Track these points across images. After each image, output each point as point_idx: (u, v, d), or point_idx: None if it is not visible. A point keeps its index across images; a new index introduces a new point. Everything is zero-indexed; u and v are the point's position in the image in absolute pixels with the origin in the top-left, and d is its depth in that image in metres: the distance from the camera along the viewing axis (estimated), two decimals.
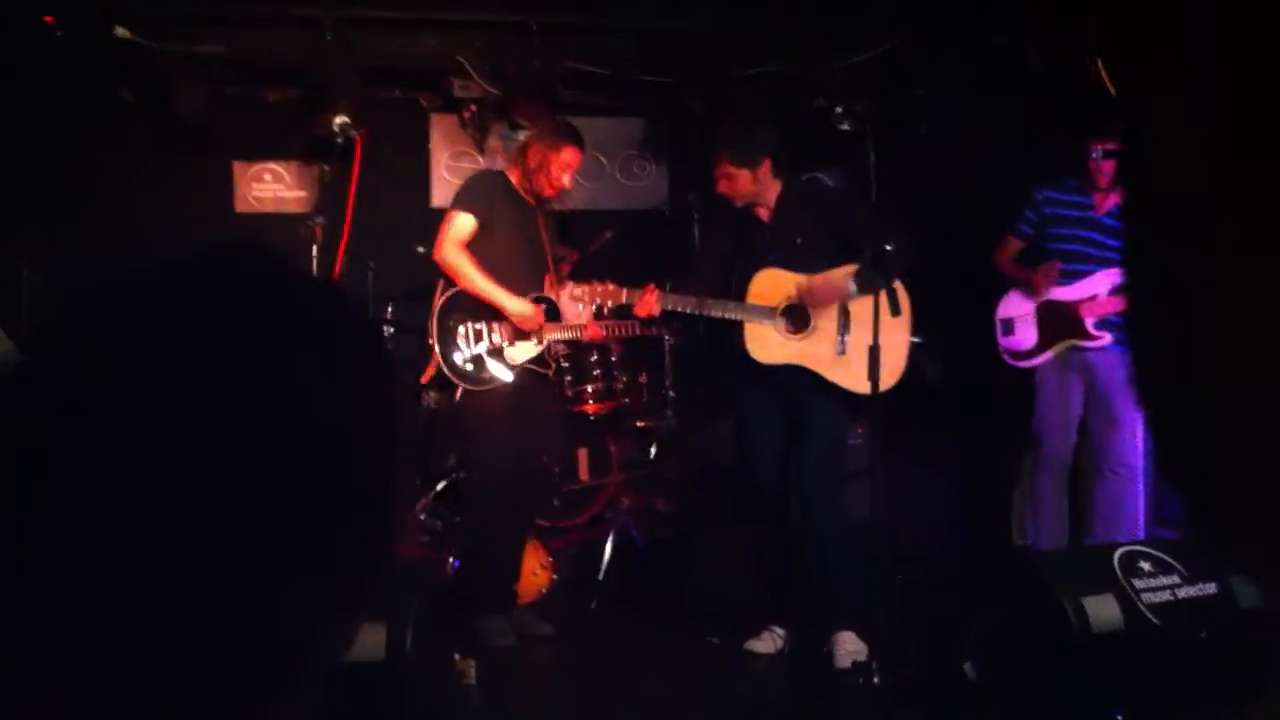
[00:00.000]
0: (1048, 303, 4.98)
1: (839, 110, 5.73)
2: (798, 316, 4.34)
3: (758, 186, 4.37)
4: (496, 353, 4.57)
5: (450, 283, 4.57)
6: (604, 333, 4.89)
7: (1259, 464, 0.62)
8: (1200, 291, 0.63)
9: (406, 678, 3.82)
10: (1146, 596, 3.46)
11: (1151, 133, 0.64)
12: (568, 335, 4.77)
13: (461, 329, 4.55)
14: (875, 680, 3.81)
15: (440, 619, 4.36)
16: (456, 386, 4.57)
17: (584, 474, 5.53)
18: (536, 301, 4.64)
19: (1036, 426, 4.99)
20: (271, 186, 6.61)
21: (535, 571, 4.83)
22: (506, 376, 4.56)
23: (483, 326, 4.56)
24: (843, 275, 4.26)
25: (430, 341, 4.56)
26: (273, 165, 6.58)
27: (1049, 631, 3.45)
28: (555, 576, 4.92)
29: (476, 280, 4.51)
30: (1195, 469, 0.69)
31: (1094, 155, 4.82)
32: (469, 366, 4.54)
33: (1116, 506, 4.82)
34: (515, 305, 4.54)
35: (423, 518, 5.11)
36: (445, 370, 4.53)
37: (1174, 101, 0.62)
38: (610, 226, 5.70)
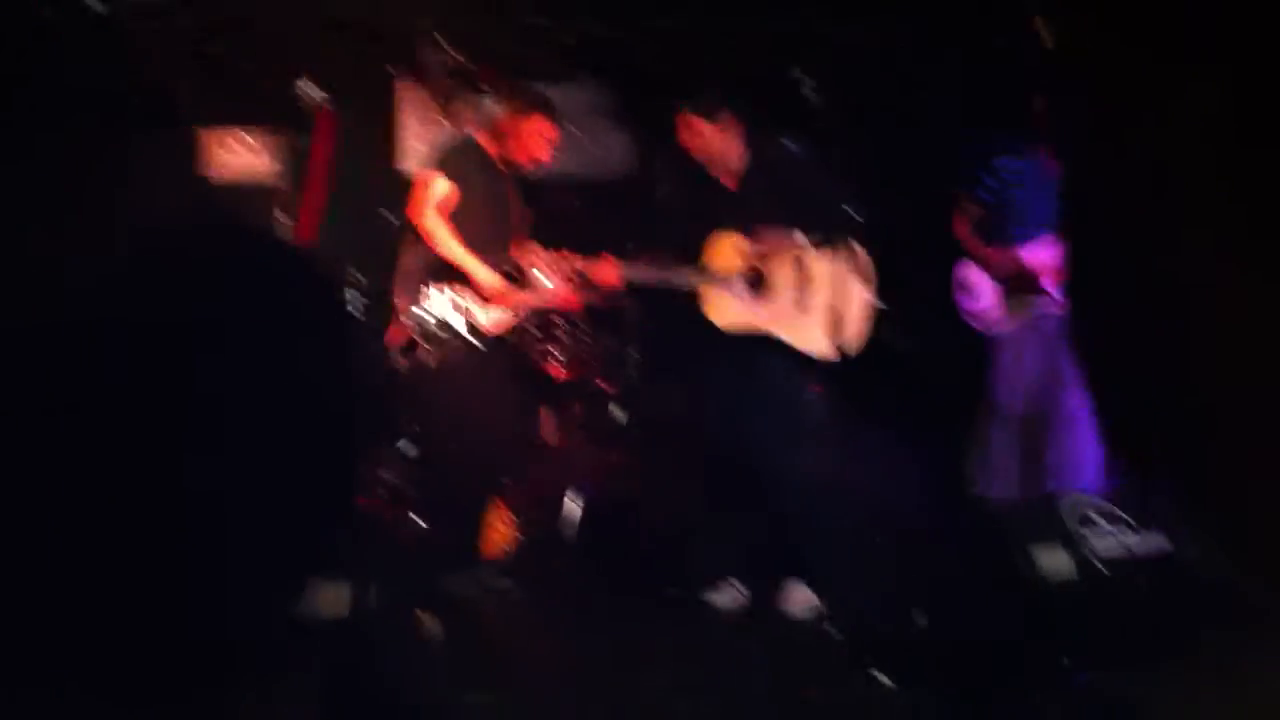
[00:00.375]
0: (1005, 263, 5.09)
1: (806, 78, 5.75)
2: (757, 280, 4.40)
3: (721, 143, 4.40)
4: (466, 317, 4.59)
5: (421, 246, 4.60)
6: (576, 300, 4.91)
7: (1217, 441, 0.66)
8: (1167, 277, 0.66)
9: (370, 633, 3.88)
10: (1096, 546, 3.55)
11: (1099, 97, 0.66)
12: (539, 304, 4.80)
13: (433, 293, 4.58)
14: (829, 630, 3.90)
15: (404, 576, 4.42)
16: (423, 349, 4.60)
17: (548, 434, 5.60)
18: (507, 273, 4.66)
19: (990, 379, 5.09)
20: (241, 154, 6.61)
21: (499, 529, 4.89)
22: (475, 341, 4.59)
23: (450, 289, 4.59)
24: (797, 245, 4.31)
25: (399, 304, 4.59)
26: (241, 133, 6.58)
27: (1000, 580, 3.54)
28: (519, 535, 4.98)
29: (450, 246, 4.52)
30: (1142, 444, 0.72)
31: (1042, 114, 4.93)
32: (438, 330, 4.57)
33: (1068, 458, 4.91)
34: (486, 277, 4.56)
35: (386, 476, 5.15)
36: (414, 333, 4.55)
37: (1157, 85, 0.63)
38: (572, 191, 5.74)
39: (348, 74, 6.25)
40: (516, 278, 4.69)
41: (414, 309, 4.56)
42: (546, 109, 4.72)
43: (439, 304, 4.57)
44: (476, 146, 4.75)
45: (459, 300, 4.57)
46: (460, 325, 4.56)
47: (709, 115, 4.38)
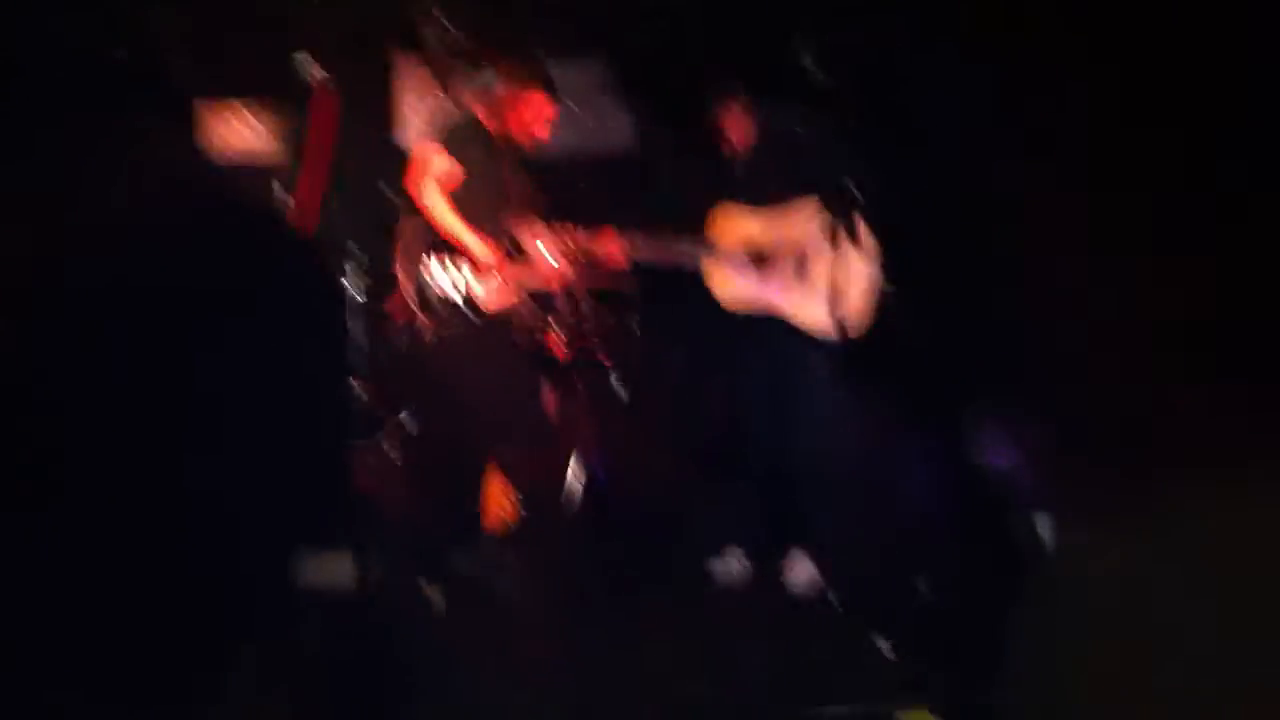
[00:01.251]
0: None
1: (810, 55, 5.73)
2: (759, 253, 4.40)
3: (744, 123, 4.42)
4: (464, 289, 4.60)
5: (419, 219, 4.59)
6: (575, 276, 4.90)
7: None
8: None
9: (373, 606, 3.89)
10: None
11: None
12: (536, 278, 4.80)
13: (430, 265, 4.58)
14: (832, 600, 3.91)
15: (407, 549, 4.43)
16: (422, 320, 4.60)
17: (552, 412, 5.59)
18: (504, 246, 4.66)
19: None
20: (240, 130, 6.60)
21: (502, 505, 4.90)
22: (471, 315, 4.59)
23: (450, 264, 4.59)
24: (800, 220, 4.31)
25: (399, 276, 4.59)
26: (240, 108, 6.56)
27: (1004, 547, 3.54)
28: (523, 511, 4.99)
29: (447, 219, 4.52)
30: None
31: None
32: (434, 303, 4.57)
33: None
34: (481, 250, 4.56)
35: (390, 453, 5.16)
36: (411, 304, 4.56)
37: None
38: (574, 166, 5.73)
39: (347, 49, 6.24)
40: (514, 253, 4.69)
41: (413, 281, 4.56)
42: (547, 85, 4.70)
43: (437, 276, 4.57)
44: (476, 123, 4.74)
45: (457, 272, 4.57)
46: (458, 298, 4.56)
47: (739, 98, 4.39)
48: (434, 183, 4.53)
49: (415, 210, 4.59)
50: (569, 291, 5.33)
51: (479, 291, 4.59)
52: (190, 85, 6.29)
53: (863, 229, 4.40)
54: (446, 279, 4.57)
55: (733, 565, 4.50)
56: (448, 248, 4.57)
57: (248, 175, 6.10)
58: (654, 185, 5.83)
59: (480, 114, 4.74)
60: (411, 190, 4.57)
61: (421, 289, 4.57)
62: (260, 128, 6.53)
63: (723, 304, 4.40)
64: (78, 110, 5.91)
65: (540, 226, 4.54)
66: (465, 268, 4.59)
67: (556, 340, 5.37)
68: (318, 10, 5.87)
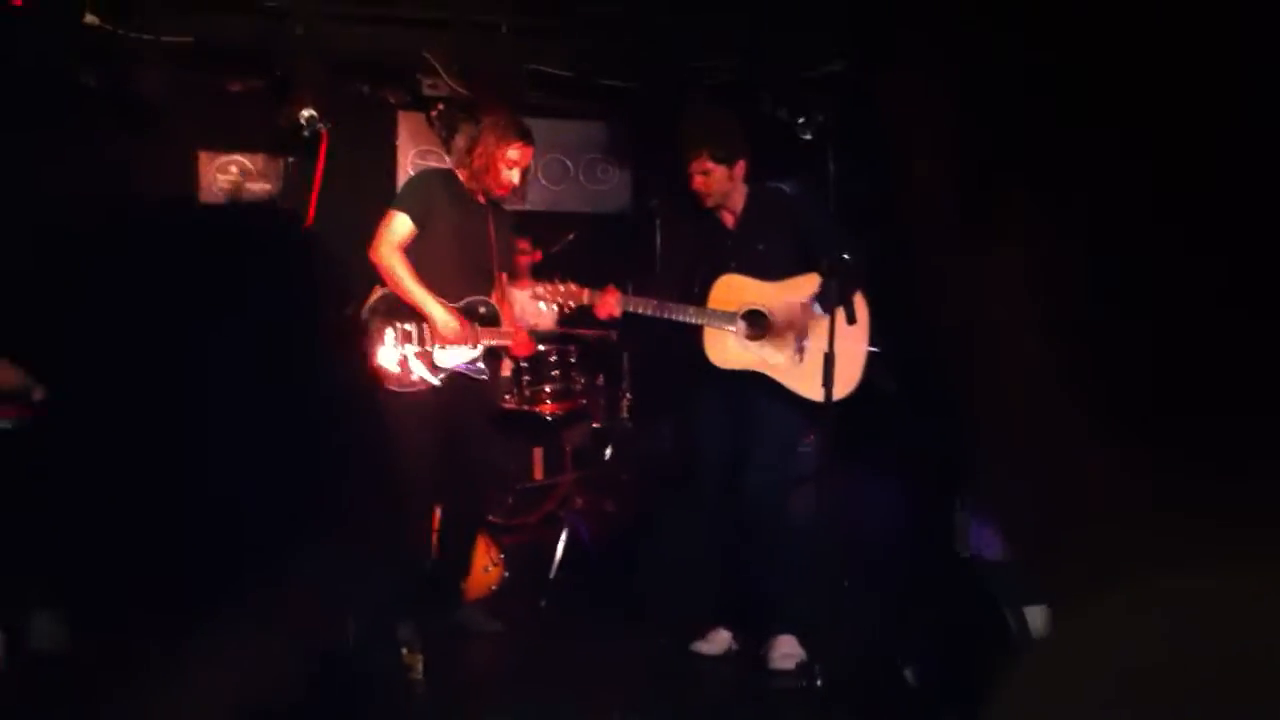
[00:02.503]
0: None
1: (800, 121, 5.78)
2: (757, 321, 4.40)
3: (731, 186, 4.43)
4: (424, 355, 4.49)
5: (383, 285, 4.51)
6: (531, 347, 4.82)
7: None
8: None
9: (353, 671, 3.83)
10: None
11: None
12: (500, 342, 4.68)
13: (390, 328, 4.48)
14: (817, 683, 3.86)
15: (389, 614, 4.37)
16: (385, 382, 4.53)
17: (538, 473, 5.57)
18: (469, 309, 4.58)
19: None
20: (237, 178, 6.60)
21: (485, 568, 4.85)
22: (431, 380, 4.49)
23: (412, 328, 4.49)
24: (806, 303, 4.32)
25: (362, 337, 4.49)
26: (238, 157, 6.57)
27: (990, 638, 3.51)
28: (506, 574, 4.95)
29: (406, 284, 4.44)
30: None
31: None
32: (394, 366, 4.48)
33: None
34: (440, 315, 4.46)
35: (371, 512, 5.11)
36: (376, 367, 4.46)
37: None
38: (573, 229, 5.75)
39: (348, 103, 6.27)
40: (486, 316, 4.61)
41: (370, 342, 4.46)
42: (525, 137, 4.58)
43: (397, 339, 4.47)
44: (449, 176, 4.67)
45: (418, 337, 4.48)
46: (417, 365, 4.46)
47: (728, 162, 4.40)
48: (394, 244, 4.45)
49: (380, 271, 4.49)
50: (560, 349, 5.33)
51: (441, 354, 4.50)
52: (189, 131, 6.31)
53: (860, 303, 4.42)
54: (408, 339, 4.49)
55: (720, 642, 4.46)
56: (409, 313, 4.49)
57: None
58: (653, 245, 5.85)
59: (461, 172, 4.63)
60: (372, 252, 4.49)
61: (380, 347, 4.46)
62: (259, 176, 6.54)
63: (717, 368, 4.39)
64: (68, 146, 5.92)
65: (534, 282, 4.50)
66: (428, 329, 4.47)
67: (546, 398, 5.36)
68: (319, 62, 5.89)
